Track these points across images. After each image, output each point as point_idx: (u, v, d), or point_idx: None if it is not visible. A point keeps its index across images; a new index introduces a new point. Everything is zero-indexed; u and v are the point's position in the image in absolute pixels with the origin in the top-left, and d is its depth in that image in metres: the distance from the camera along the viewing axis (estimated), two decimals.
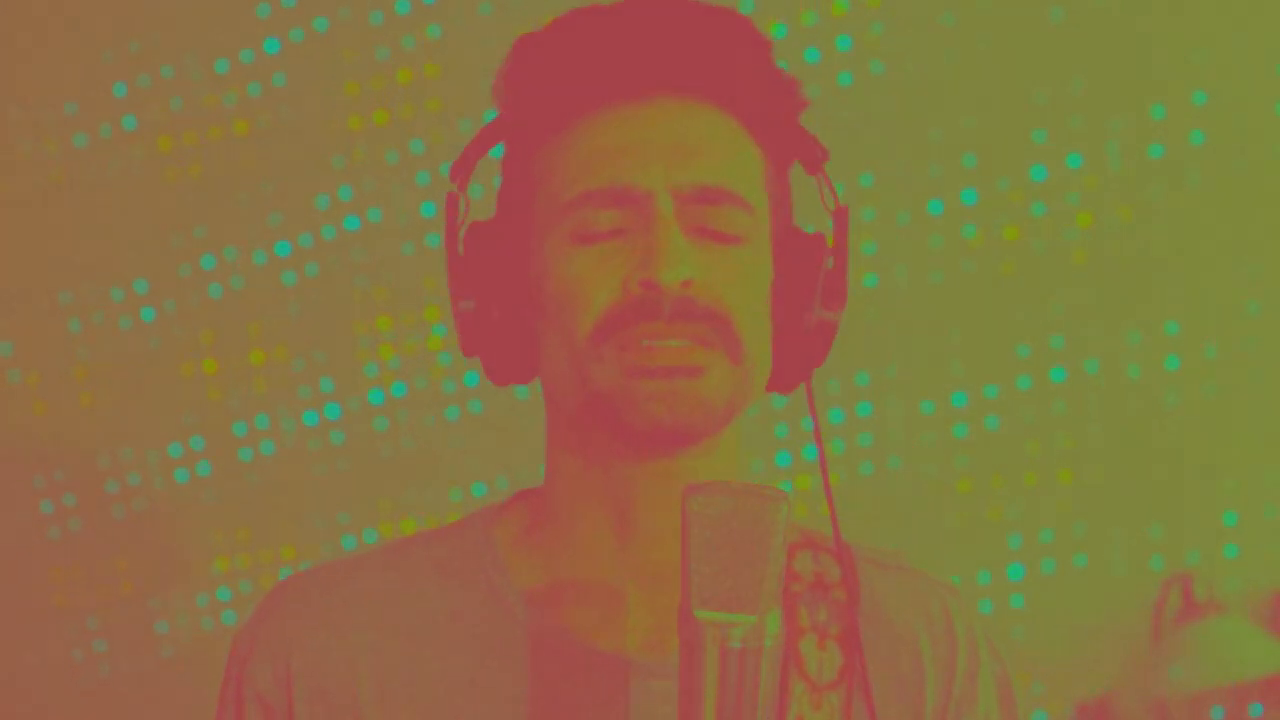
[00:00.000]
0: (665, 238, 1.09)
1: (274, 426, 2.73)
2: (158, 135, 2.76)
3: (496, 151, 1.23)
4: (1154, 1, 2.72)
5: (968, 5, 2.73)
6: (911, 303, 2.70)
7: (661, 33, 1.14)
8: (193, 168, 2.76)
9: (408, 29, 2.75)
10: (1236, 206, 2.70)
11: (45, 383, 2.77)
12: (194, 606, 2.73)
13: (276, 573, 2.70)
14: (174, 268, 2.76)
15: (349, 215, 2.74)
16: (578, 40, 1.15)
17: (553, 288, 1.12)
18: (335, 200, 2.74)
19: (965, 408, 2.71)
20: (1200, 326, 2.69)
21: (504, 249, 1.17)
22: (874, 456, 2.71)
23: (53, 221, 2.77)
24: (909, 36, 2.72)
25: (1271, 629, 2.64)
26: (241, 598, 2.72)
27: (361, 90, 2.73)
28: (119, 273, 2.77)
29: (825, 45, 2.72)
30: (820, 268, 1.18)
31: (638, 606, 1.16)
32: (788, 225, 1.22)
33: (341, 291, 2.74)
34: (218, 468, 2.74)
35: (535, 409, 1.22)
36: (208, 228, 2.76)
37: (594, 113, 1.14)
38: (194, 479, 2.74)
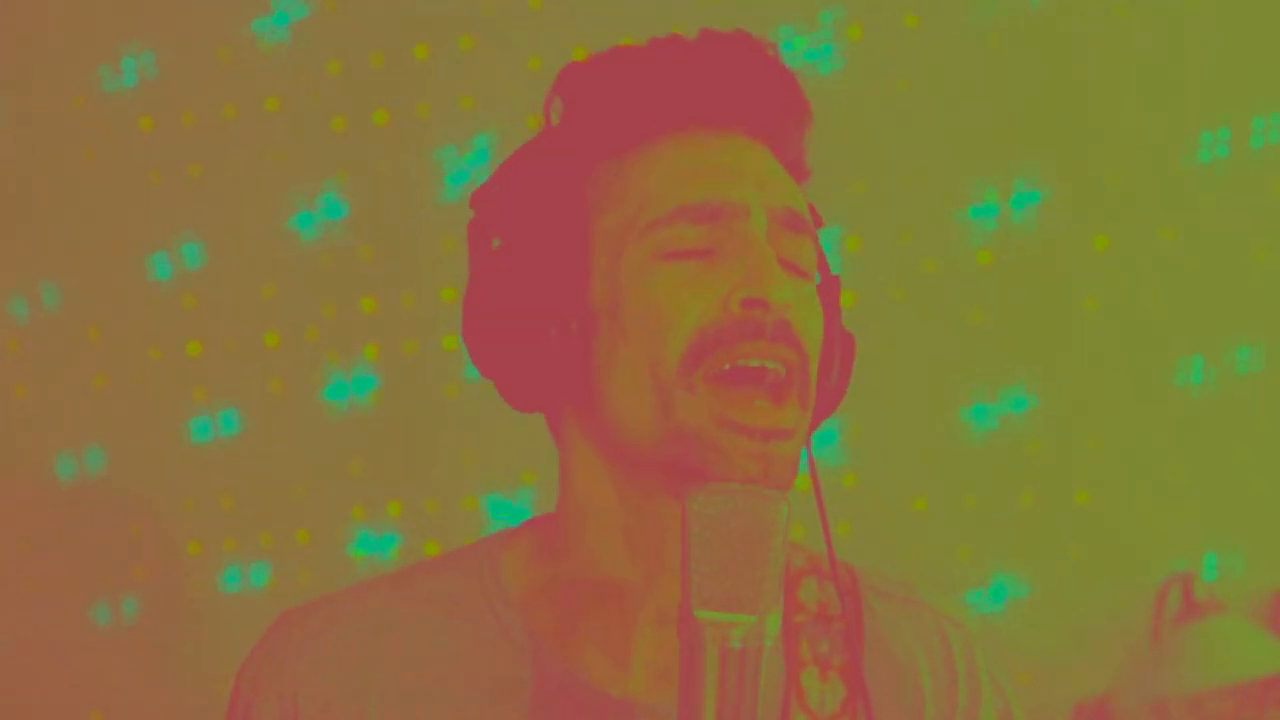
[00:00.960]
0: (767, 257, 1.08)
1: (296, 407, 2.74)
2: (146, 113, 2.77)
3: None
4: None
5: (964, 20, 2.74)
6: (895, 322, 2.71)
7: (743, 72, 1.14)
8: (192, 168, 2.77)
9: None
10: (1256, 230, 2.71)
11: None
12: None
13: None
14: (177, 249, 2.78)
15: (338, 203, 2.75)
16: (659, 62, 1.14)
17: (635, 307, 1.10)
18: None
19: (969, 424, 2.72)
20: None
21: (547, 271, 1.13)
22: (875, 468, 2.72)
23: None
24: (913, 51, 2.73)
25: (1271, 629, 2.64)
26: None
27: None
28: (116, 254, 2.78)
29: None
30: (839, 335, 1.18)
31: (647, 647, 1.15)
32: None
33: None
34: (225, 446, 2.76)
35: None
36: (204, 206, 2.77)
37: (672, 135, 1.13)
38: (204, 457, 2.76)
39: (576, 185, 1.15)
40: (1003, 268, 2.69)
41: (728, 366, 1.07)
